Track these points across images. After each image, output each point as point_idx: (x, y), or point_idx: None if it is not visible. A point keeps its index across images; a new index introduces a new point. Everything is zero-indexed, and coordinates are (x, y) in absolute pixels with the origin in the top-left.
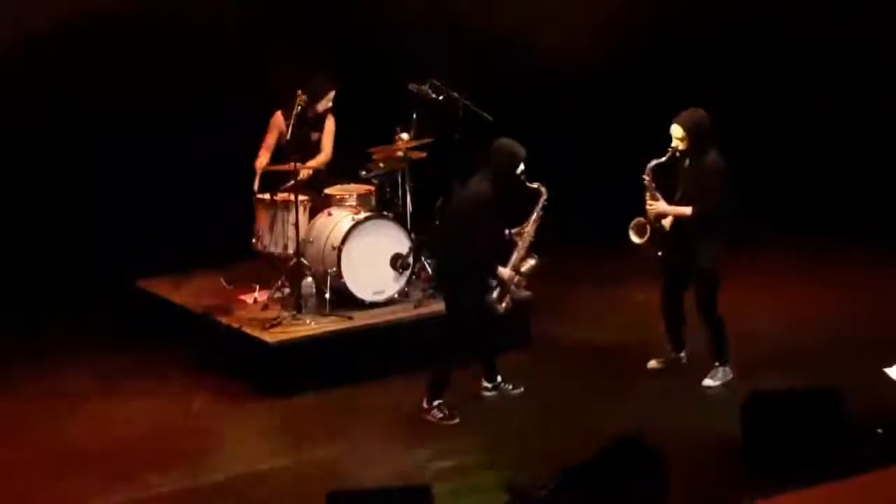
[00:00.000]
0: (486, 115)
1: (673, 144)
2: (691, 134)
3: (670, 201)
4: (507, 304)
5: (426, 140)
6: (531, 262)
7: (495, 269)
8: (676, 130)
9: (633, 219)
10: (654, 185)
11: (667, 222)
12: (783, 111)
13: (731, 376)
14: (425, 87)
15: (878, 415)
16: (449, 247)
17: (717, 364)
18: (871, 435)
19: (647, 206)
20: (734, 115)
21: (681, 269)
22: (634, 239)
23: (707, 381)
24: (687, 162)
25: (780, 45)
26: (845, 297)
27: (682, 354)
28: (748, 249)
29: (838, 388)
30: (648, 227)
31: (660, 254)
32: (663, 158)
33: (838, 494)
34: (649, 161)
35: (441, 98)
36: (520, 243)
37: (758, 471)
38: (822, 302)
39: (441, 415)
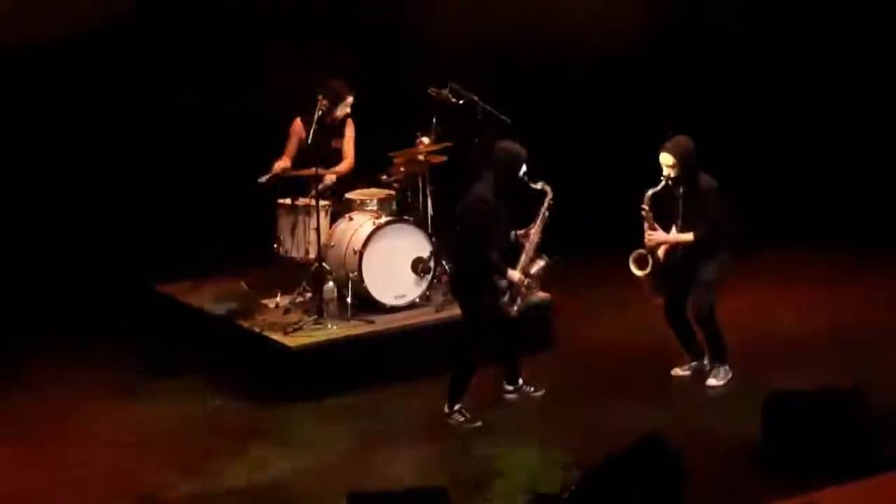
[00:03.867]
0: (504, 118)
1: (665, 173)
2: (681, 160)
3: (669, 229)
4: (519, 306)
5: (446, 144)
6: (540, 262)
7: (504, 271)
8: (667, 158)
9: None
10: (652, 214)
11: (661, 251)
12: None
13: (730, 375)
14: (445, 91)
15: None
16: (460, 251)
17: (717, 364)
18: (893, 435)
19: (647, 237)
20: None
21: (681, 287)
22: (636, 272)
23: (711, 381)
24: (681, 189)
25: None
26: (863, 299)
27: (705, 361)
28: (766, 252)
29: (860, 388)
30: (650, 257)
31: (659, 295)
32: (658, 187)
33: (857, 494)
34: (646, 190)
35: (461, 102)
36: (527, 245)
37: (778, 471)
38: (838, 303)
39: (462, 418)
